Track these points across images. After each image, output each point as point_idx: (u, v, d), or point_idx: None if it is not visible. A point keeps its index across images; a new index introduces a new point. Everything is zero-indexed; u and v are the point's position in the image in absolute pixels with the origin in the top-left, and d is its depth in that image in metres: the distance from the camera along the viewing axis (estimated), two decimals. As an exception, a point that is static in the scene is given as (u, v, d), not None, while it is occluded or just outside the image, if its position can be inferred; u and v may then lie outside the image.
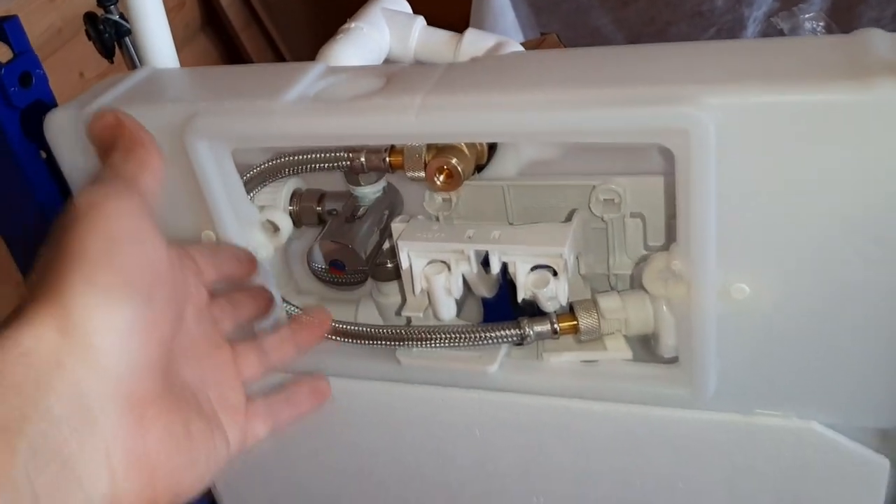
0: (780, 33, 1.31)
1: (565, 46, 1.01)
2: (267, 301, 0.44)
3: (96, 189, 0.31)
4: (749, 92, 0.38)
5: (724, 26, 1.78)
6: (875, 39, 0.40)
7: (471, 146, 0.47)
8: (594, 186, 0.51)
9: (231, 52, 1.97)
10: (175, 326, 0.31)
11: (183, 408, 0.31)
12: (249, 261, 0.44)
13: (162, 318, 0.30)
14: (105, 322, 0.27)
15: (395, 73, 0.47)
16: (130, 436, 0.28)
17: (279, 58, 2.05)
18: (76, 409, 0.27)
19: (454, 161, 0.46)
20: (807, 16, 1.18)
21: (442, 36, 0.57)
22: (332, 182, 0.56)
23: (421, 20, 0.58)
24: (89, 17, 0.87)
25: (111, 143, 0.35)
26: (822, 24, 1.24)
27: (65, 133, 0.50)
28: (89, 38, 0.88)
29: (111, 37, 0.88)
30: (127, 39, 0.88)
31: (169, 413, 0.30)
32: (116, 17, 0.87)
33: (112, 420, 0.28)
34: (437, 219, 0.55)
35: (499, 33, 1.84)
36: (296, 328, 0.43)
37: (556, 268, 0.48)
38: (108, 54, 0.90)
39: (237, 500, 0.67)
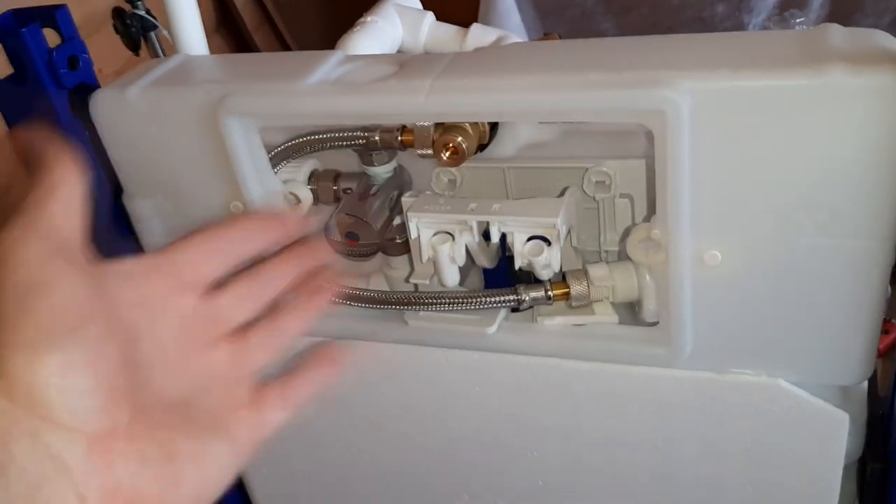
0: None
1: (567, 46, 1.06)
2: (314, 258, 0.41)
3: (4, 237, 0.30)
4: (718, 77, 0.43)
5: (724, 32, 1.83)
6: (832, 33, 0.45)
7: (474, 126, 0.52)
8: (587, 169, 0.56)
9: (244, 51, 2.03)
10: (127, 353, 0.30)
11: (160, 431, 0.31)
12: (277, 226, 0.40)
13: (104, 352, 0.29)
14: (40, 378, 0.27)
15: (407, 61, 0.52)
16: (101, 472, 0.28)
17: (286, 48, 2.11)
18: (44, 460, 0.27)
19: (459, 139, 0.51)
20: (798, 20, 1.24)
21: (449, 30, 0.62)
22: (347, 163, 0.61)
23: (430, 15, 0.63)
24: (117, 12, 0.93)
25: (30, 166, 0.32)
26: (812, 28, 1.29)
27: (107, 111, 0.56)
28: (116, 31, 0.94)
29: (137, 31, 0.94)
30: (152, 34, 0.94)
31: (142, 439, 0.30)
32: (143, 13, 0.93)
33: (81, 463, 0.27)
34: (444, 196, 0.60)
35: (504, 35, 1.88)
36: (303, 292, 0.40)
37: (549, 238, 0.53)
38: (134, 48, 0.95)
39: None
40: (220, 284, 0.36)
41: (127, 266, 0.33)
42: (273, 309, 0.38)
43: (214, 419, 0.33)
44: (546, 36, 1.09)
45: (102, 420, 0.29)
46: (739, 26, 1.82)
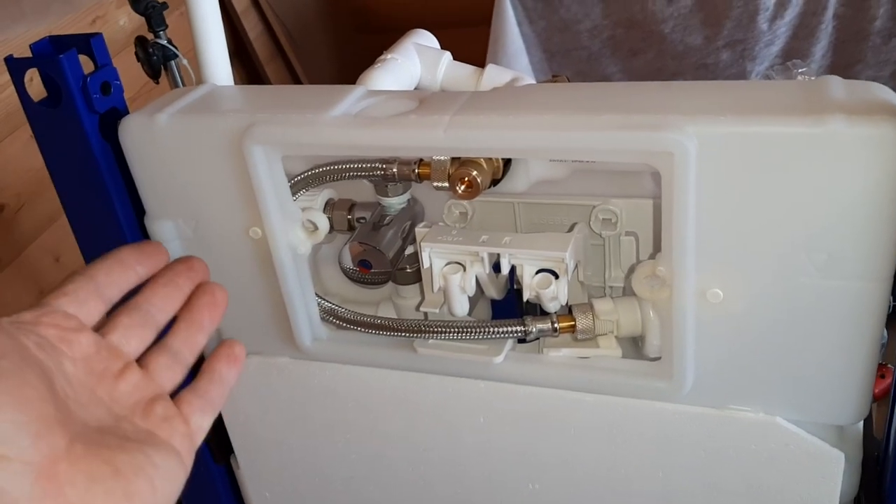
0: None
1: (575, 88, 1.09)
2: (191, 272, 0.41)
3: None
4: (724, 122, 0.45)
5: (727, 78, 1.87)
6: (833, 84, 0.48)
7: (489, 161, 0.54)
8: (594, 206, 0.58)
9: (256, 82, 2.07)
10: (46, 386, 0.31)
11: (101, 450, 0.31)
12: (147, 256, 0.40)
13: (25, 382, 0.30)
14: None
15: (426, 97, 0.54)
16: (51, 497, 0.29)
17: (301, 90, 2.14)
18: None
19: (474, 173, 0.53)
20: (800, 70, 1.27)
21: (466, 69, 0.65)
22: (362, 193, 0.64)
23: (448, 55, 0.66)
24: (140, 41, 0.96)
25: None
26: (813, 79, 1.33)
27: (135, 135, 0.58)
28: (138, 59, 0.97)
29: (159, 59, 0.97)
30: (172, 63, 0.97)
31: (85, 460, 0.31)
32: (165, 42, 0.96)
33: (28, 492, 0.29)
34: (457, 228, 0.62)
35: (513, 76, 1.92)
36: (188, 310, 0.40)
37: (557, 271, 0.55)
38: (154, 75, 0.98)
39: (258, 478, 0.73)
40: (110, 318, 0.38)
41: (21, 316, 0.34)
42: (172, 330, 0.39)
43: (149, 435, 0.34)
44: (555, 78, 1.11)
45: (41, 447, 0.29)
46: (742, 73, 1.86)
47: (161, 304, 0.39)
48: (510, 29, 1.90)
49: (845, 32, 1.77)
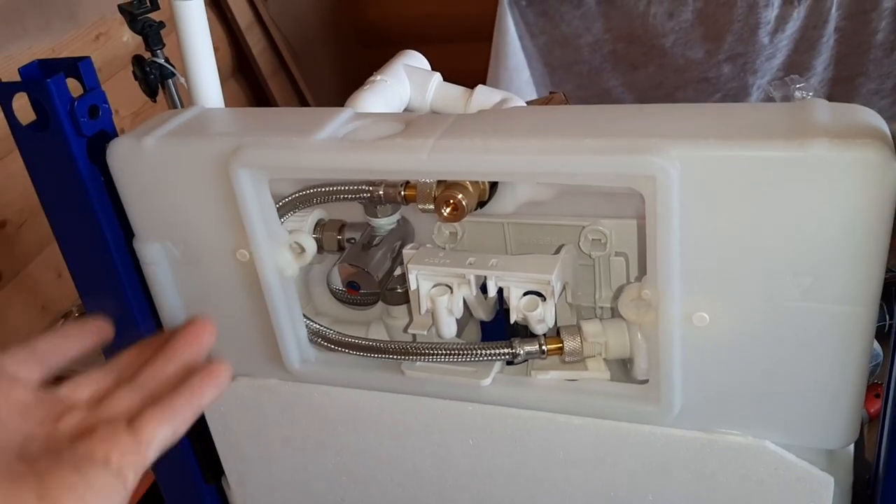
0: (773, 101, 1.39)
1: (570, 105, 1.09)
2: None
3: None
4: (706, 146, 0.45)
5: (729, 92, 1.87)
6: (817, 107, 0.47)
7: (474, 184, 0.54)
8: (583, 227, 0.58)
9: (259, 97, 2.08)
10: None
11: (21, 475, 0.33)
12: (88, 329, 0.42)
13: None
14: None
15: (412, 120, 0.54)
16: None
17: (304, 103, 2.16)
18: None
19: (460, 196, 0.53)
20: (798, 85, 1.27)
21: (455, 90, 0.65)
22: (352, 214, 0.64)
23: (437, 76, 0.66)
24: (137, 60, 0.97)
25: None
26: (811, 94, 1.32)
27: (123, 158, 0.58)
28: (136, 78, 0.97)
29: (156, 78, 0.97)
30: (170, 81, 0.97)
31: (7, 486, 0.32)
32: (162, 61, 0.96)
33: None
34: (444, 249, 0.62)
35: (514, 90, 1.93)
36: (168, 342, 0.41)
37: (544, 293, 0.55)
38: (151, 94, 0.99)
39: (248, 499, 0.73)
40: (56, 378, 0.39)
41: None
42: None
43: (86, 456, 0.34)
44: (552, 94, 1.12)
45: None
46: (744, 87, 1.85)
47: (130, 360, 0.40)
48: (511, 43, 1.90)
49: (846, 45, 1.77)
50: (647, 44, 1.88)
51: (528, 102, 1.19)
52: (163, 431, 0.36)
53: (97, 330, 0.42)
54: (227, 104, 0.65)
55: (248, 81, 2.08)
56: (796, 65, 1.79)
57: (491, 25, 1.90)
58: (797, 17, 1.77)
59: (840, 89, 1.79)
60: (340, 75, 2.29)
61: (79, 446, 0.35)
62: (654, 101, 1.94)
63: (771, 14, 1.77)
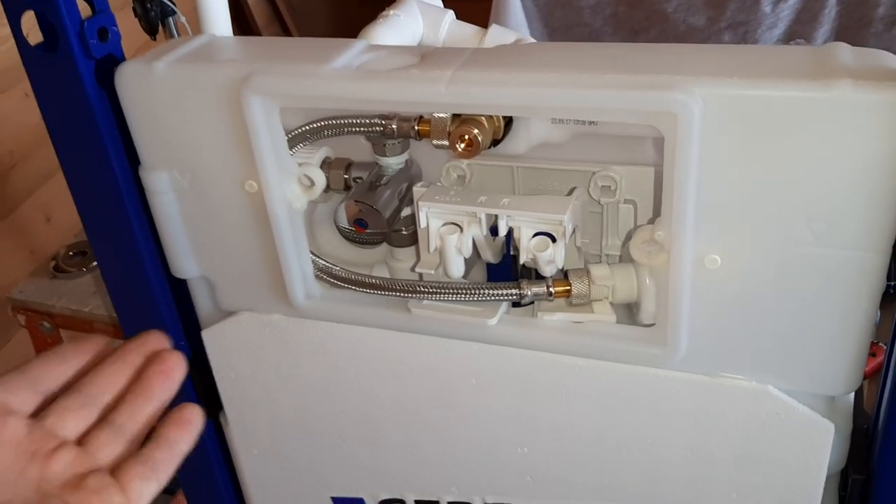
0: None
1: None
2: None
3: None
4: (730, 84, 0.45)
5: (729, 61, 1.87)
6: (840, 51, 0.47)
7: (490, 119, 0.54)
8: (594, 173, 0.58)
9: (254, 48, 2.05)
10: None
11: None
12: (84, 349, 0.42)
13: None
14: None
15: (428, 52, 0.54)
16: None
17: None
18: None
19: (475, 131, 0.52)
20: (803, 50, 1.27)
21: (469, 29, 0.64)
22: (360, 153, 0.63)
23: (451, 14, 0.65)
24: (138, -3, 0.95)
25: None
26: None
27: (132, 83, 0.57)
28: (136, 15, 0.96)
29: (156, 16, 0.95)
30: (170, 19, 0.95)
31: None
32: (163, -1, 0.94)
33: None
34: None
35: (513, 49, 1.90)
36: (138, 382, 0.41)
37: (555, 234, 0.55)
38: (152, 31, 0.97)
39: (246, 435, 0.73)
40: (51, 403, 0.39)
41: None
42: (118, 405, 0.40)
43: None
44: (557, 48, 1.11)
45: None
46: (744, 56, 1.85)
47: (104, 384, 0.40)
48: (512, 3, 1.88)
49: (848, 18, 1.76)
50: (649, 8, 1.86)
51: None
52: (150, 488, 0.38)
53: (93, 349, 0.42)
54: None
55: (241, 31, 2.05)
56: (797, 35, 1.78)
57: (490, -17, 1.88)
58: (800, -13, 1.76)
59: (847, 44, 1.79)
60: (336, 27, 2.26)
61: (73, 498, 0.35)
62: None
63: (774, -17, 1.75)
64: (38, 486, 0.36)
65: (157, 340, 0.43)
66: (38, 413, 0.38)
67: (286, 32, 2.16)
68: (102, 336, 0.43)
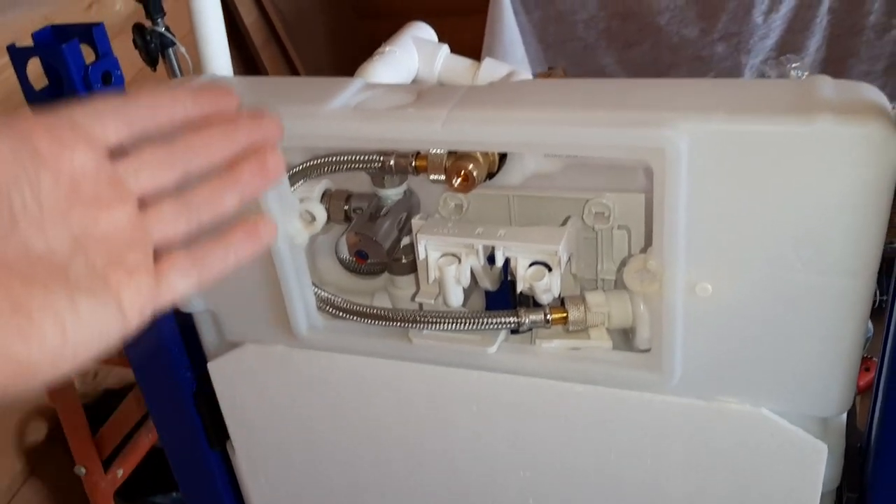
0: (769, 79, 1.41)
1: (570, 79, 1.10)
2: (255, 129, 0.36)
3: None
4: (715, 120, 0.46)
5: (722, 71, 1.88)
6: (821, 84, 0.49)
7: (485, 155, 0.55)
8: (587, 200, 0.59)
9: (250, 68, 2.07)
10: None
11: (12, 280, 0.29)
12: (206, 94, 0.36)
13: None
14: None
15: (424, 91, 0.55)
16: None
17: (296, 76, 2.15)
18: None
19: (470, 166, 0.54)
20: (793, 65, 1.28)
21: (463, 63, 0.66)
22: (359, 184, 0.64)
23: (445, 48, 0.66)
24: (137, 28, 0.96)
25: None
26: (805, 73, 1.34)
27: (136, 126, 0.59)
28: (136, 46, 0.97)
29: (156, 48, 0.97)
30: (170, 51, 0.97)
31: None
32: (163, 30, 0.96)
33: None
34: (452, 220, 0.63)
35: (508, 66, 1.91)
36: (230, 167, 0.35)
37: (550, 263, 0.56)
38: (152, 63, 0.98)
39: (254, 464, 0.74)
40: (132, 146, 0.33)
41: (18, 119, 0.31)
42: (200, 181, 0.35)
43: (96, 279, 0.31)
44: (550, 70, 1.12)
45: None
46: (737, 66, 1.87)
47: (201, 150, 0.34)
48: (506, 19, 1.90)
49: (839, 27, 1.78)
50: (641, 21, 1.89)
51: (527, 77, 1.20)
52: (187, 283, 0.34)
53: (219, 95, 0.36)
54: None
55: (239, 52, 2.06)
56: (789, 45, 1.80)
57: (484, -1, 1.90)
58: (791, -3, 1.78)
59: (832, 70, 1.80)
60: (334, 47, 2.28)
61: (101, 264, 0.31)
62: (647, 78, 1.95)
63: (765, -7, 1.78)
64: (75, 236, 0.31)
65: (272, 127, 0.37)
66: (118, 153, 0.32)
67: (283, 51, 2.18)
68: (232, 93, 0.36)
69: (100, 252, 0.31)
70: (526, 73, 0.65)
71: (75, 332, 0.30)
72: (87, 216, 0.31)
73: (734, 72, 1.88)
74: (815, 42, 1.82)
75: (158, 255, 0.33)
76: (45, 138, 0.30)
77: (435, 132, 0.51)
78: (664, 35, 1.89)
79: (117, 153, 0.32)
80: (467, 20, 1.98)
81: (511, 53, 1.92)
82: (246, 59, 2.07)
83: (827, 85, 0.49)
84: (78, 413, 1.13)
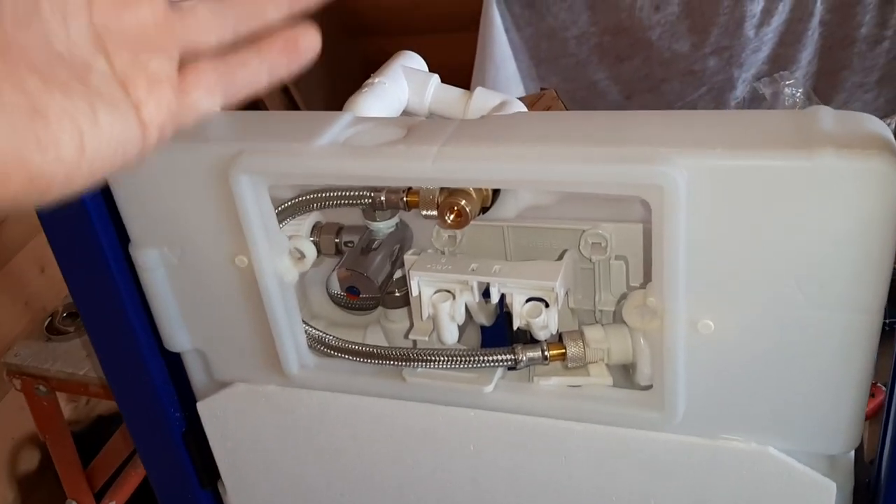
0: (763, 98, 1.40)
1: (562, 101, 1.09)
2: None
3: None
4: (714, 155, 0.45)
5: (714, 85, 1.88)
6: (822, 115, 0.47)
7: (477, 190, 0.54)
8: (583, 231, 0.58)
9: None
10: None
11: (30, 78, 0.26)
12: None
13: None
14: None
15: (414, 125, 0.54)
16: None
17: (287, 94, 2.14)
18: None
19: (463, 202, 0.53)
20: (787, 83, 1.27)
21: (454, 93, 0.64)
22: (350, 216, 0.63)
23: (436, 78, 0.65)
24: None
25: None
26: (800, 90, 1.33)
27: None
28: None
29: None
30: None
31: (2, 82, 0.26)
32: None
33: None
34: (444, 253, 0.62)
35: (500, 83, 1.92)
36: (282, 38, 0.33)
37: (548, 300, 0.54)
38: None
39: (243, 500, 0.72)
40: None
41: None
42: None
43: (115, 87, 0.28)
44: (543, 91, 1.11)
45: None
46: (730, 80, 1.86)
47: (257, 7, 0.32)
48: (497, 36, 1.89)
49: (831, 39, 1.78)
50: (633, 36, 1.88)
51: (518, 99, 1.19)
52: (211, 102, 0.31)
53: None
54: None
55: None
56: (781, 58, 1.80)
57: (476, 15, 1.89)
58: (782, 10, 1.77)
59: (825, 82, 1.80)
60: (326, 65, 2.27)
61: (122, 68, 0.28)
62: (639, 94, 1.94)
63: (756, 7, 1.77)
64: (96, 36, 0.28)
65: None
66: None
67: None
68: None
69: (121, 54, 0.29)
70: (519, 103, 0.64)
71: (92, 144, 0.27)
72: (111, 9, 0.28)
73: (727, 85, 1.87)
74: (807, 55, 1.81)
75: (184, 65, 0.30)
76: None
77: (425, 169, 0.50)
78: (656, 50, 1.89)
79: None
80: (458, 37, 1.97)
81: (503, 69, 1.91)
82: (237, 79, 2.06)
83: (828, 116, 0.47)
84: (69, 447, 1.11)
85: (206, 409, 0.67)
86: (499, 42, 1.91)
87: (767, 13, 1.76)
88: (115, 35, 0.28)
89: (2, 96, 0.26)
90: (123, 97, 0.28)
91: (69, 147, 0.27)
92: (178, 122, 0.30)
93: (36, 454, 1.42)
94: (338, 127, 0.55)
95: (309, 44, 0.34)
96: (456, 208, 0.53)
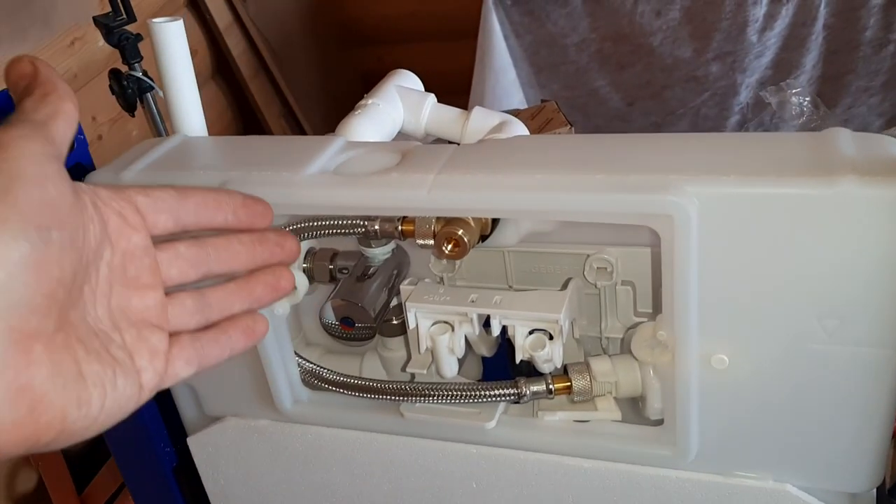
0: (768, 106, 1.37)
1: (563, 113, 1.06)
2: (275, 249, 0.40)
3: (3, 131, 0.31)
4: (726, 183, 0.42)
5: (717, 91, 1.85)
6: (841, 138, 0.45)
7: (476, 219, 0.51)
8: (588, 255, 0.55)
9: (239, 99, 2.04)
10: (76, 269, 0.31)
11: (78, 348, 0.31)
12: (248, 208, 0.39)
13: (59, 259, 0.30)
14: None
15: (409, 151, 0.51)
16: (14, 368, 0.29)
17: (285, 104, 2.11)
18: None
19: (461, 232, 0.50)
20: (794, 91, 1.25)
21: (451, 112, 0.62)
22: (345, 242, 0.60)
23: (432, 98, 0.62)
24: (114, 74, 0.92)
25: (26, 89, 0.34)
26: (807, 99, 1.30)
27: (101, 193, 0.54)
28: (113, 92, 0.93)
29: (134, 92, 0.93)
30: (148, 95, 0.93)
31: (60, 351, 0.30)
32: (140, 74, 0.92)
33: (2, 353, 0.28)
34: (442, 280, 0.59)
35: (500, 91, 1.90)
36: (247, 277, 0.40)
37: (552, 332, 0.52)
38: (130, 108, 0.94)
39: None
40: (171, 239, 0.37)
41: (99, 191, 0.34)
42: (221, 284, 0.39)
43: (127, 356, 0.34)
44: (543, 104, 1.09)
45: (30, 320, 0.29)
46: (733, 85, 1.83)
47: (225, 257, 0.38)
48: (497, 43, 1.87)
49: (835, 43, 1.75)
50: (634, 43, 1.86)
51: (518, 112, 1.16)
52: (189, 370, 0.37)
53: (258, 211, 0.39)
54: (206, 107, 0.62)
55: (227, 84, 2.03)
56: (785, 62, 1.77)
57: (474, 23, 1.87)
58: (785, 14, 1.75)
59: (829, 87, 1.77)
60: (322, 75, 2.25)
61: (131, 342, 0.34)
62: (641, 101, 1.92)
63: (759, 12, 1.75)
64: (111, 312, 0.34)
65: (290, 248, 0.41)
66: (161, 241, 0.37)
67: (272, 81, 2.15)
68: (265, 203, 0.40)
69: (130, 330, 0.34)
70: (519, 122, 0.61)
71: (109, 404, 0.32)
72: (125, 294, 0.34)
73: (730, 91, 1.85)
74: (811, 59, 1.79)
75: (171, 340, 0.36)
76: (113, 217, 0.34)
77: (421, 199, 0.47)
78: (657, 56, 1.86)
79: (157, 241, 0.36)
80: (455, 45, 1.95)
81: (503, 77, 1.89)
82: (235, 91, 2.04)
83: (846, 139, 0.45)
84: (63, 477, 1.08)
85: (197, 444, 0.64)
86: (498, 50, 1.89)
87: (770, 17, 1.74)
88: (125, 314, 0.34)
89: (62, 363, 0.30)
90: (131, 365, 0.34)
91: (96, 405, 0.31)
92: (162, 386, 0.35)
93: (33, 475, 1.39)
94: (329, 153, 0.52)
95: (259, 327, 0.40)
96: (453, 239, 0.50)
